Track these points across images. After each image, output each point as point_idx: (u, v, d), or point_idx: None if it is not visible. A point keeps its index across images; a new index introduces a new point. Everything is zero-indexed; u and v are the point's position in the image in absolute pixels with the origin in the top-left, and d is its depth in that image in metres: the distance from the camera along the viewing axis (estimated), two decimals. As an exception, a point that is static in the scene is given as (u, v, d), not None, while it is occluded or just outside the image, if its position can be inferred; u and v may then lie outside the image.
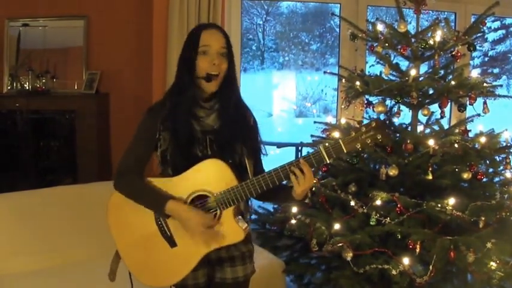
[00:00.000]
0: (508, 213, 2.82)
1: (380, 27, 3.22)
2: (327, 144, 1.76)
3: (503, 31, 7.68)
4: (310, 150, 3.46)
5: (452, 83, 2.99)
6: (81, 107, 4.02)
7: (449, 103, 3.08)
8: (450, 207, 2.71)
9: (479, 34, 3.13)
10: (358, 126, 1.77)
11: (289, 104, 8.70)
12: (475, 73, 3.10)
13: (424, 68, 3.27)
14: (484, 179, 3.00)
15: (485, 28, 3.17)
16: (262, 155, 1.94)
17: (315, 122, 3.51)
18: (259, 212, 3.54)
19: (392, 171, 2.83)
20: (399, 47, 3.14)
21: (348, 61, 3.99)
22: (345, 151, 1.74)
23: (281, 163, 1.81)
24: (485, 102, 3.01)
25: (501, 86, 3.11)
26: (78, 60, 4.27)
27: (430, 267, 2.59)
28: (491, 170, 3.15)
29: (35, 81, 4.18)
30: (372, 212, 2.78)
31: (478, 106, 3.00)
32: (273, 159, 2.04)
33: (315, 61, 8.66)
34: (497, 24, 7.45)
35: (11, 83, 4.24)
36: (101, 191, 3.03)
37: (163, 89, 3.73)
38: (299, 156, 5.69)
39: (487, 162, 3.10)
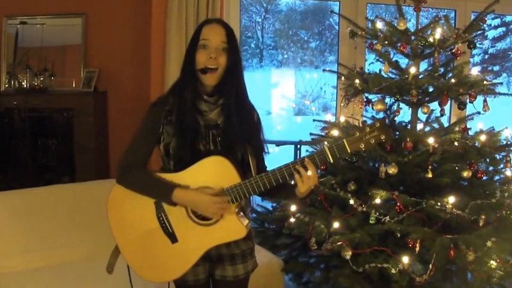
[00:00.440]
0: (508, 212, 2.82)
1: (379, 24, 3.21)
2: (328, 143, 1.76)
3: (504, 28, 7.67)
4: (310, 148, 3.52)
5: (452, 80, 2.99)
6: (79, 105, 4.01)
7: (449, 101, 3.08)
8: (450, 206, 2.70)
9: (479, 32, 3.13)
10: (362, 126, 1.76)
11: (288, 102, 8.69)
12: (475, 71, 3.11)
13: (423, 65, 3.27)
14: (484, 178, 3.01)
15: (485, 25, 3.16)
16: (264, 153, 1.94)
17: (314, 120, 3.51)
18: (258, 210, 3.54)
19: (392, 170, 2.82)
20: (399, 44, 3.13)
21: (347, 59, 3.98)
22: (349, 151, 1.73)
23: (280, 161, 1.80)
24: (485, 100, 3.01)
25: (501, 83, 3.11)
26: (76, 58, 4.25)
27: (430, 266, 2.58)
28: (491, 168, 3.16)
29: (32, 79, 4.17)
30: (371, 210, 2.77)
31: (478, 104, 3.00)
32: (271, 157, 2.03)
33: (314, 59, 8.65)
34: (497, 21, 7.44)
35: (8, 81, 4.23)
36: (99, 190, 3.06)
37: (161, 86, 3.74)
38: (298, 154, 5.70)
39: (487, 160, 3.11)
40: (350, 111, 3.69)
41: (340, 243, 2.69)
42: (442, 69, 3.16)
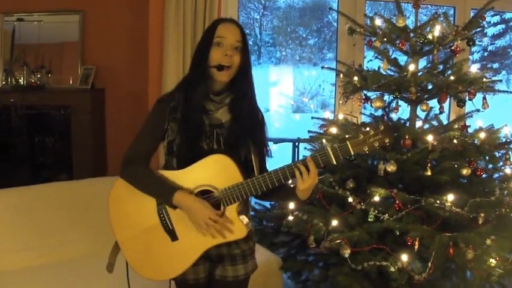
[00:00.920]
0: (507, 210, 2.82)
1: (378, 21, 3.20)
2: (335, 145, 1.75)
3: (503, 26, 7.66)
4: (308, 146, 3.51)
5: (452, 78, 2.98)
6: (76, 102, 3.99)
7: (448, 98, 3.07)
8: (449, 204, 2.71)
9: (478, 29, 3.12)
10: (366, 128, 1.76)
11: (286, 99, 8.68)
12: (474, 68, 3.10)
13: (422, 63, 3.26)
14: (484, 175, 3.00)
15: (484, 23, 3.16)
16: (266, 154, 1.94)
17: (312, 118, 3.51)
18: (256, 208, 3.53)
19: (391, 167, 2.81)
20: (398, 41, 3.12)
21: (345, 56, 3.96)
22: (352, 153, 1.73)
23: (278, 159, 1.82)
24: (484, 98, 3.00)
25: (500, 81, 3.11)
26: (73, 55, 4.23)
27: (429, 264, 2.58)
28: (490, 166, 3.16)
29: (29, 76, 4.15)
30: (370, 208, 2.77)
31: (477, 101, 3.00)
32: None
33: (313, 56, 8.63)
34: (496, 18, 7.42)
35: (5, 78, 4.20)
36: (96, 187, 3.10)
37: (159, 84, 3.72)
38: (296, 152, 5.69)
39: (487, 158, 3.10)
40: (349, 108, 3.68)
41: (338, 241, 2.69)
42: (441, 67, 3.16)
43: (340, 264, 2.78)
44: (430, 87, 3.07)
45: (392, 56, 3.20)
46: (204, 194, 1.80)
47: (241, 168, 1.78)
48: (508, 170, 3.11)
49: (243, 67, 1.83)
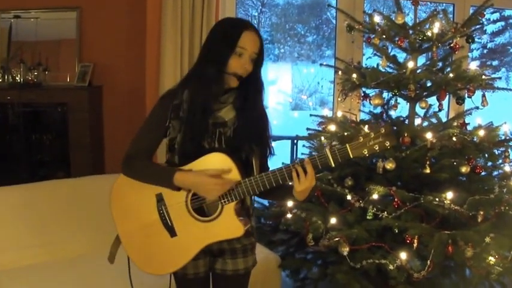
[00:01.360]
0: (506, 207, 2.82)
1: (377, 18, 3.19)
2: (334, 147, 1.75)
3: (503, 23, 7.65)
4: (306, 143, 3.50)
5: (451, 75, 2.98)
6: (73, 99, 3.97)
7: (447, 96, 3.06)
8: (448, 201, 2.70)
9: (478, 26, 3.12)
10: (365, 128, 1.75)
11: (284, 96, 8.66)
12: (473, 65, 3.10)
13: (421, 60, 3.26)
14: (483, 173, 3.00)
15: (484, 20, 3.16)
16: (269, 154, 1.94)
17: (311, 115, 3.50)
18: (255, 206, 3.50)
19: (390, 165, 2.81)
20: (396, 38, 3.12)
21: (344, 53, 3.95)
22: (352, 156, 1.72)
23: (276, 157, 1.81)
24: (484, 95, 3.01)
25: (500, 78, 3.11)
26: (70, 52, 4.21)
27: (428, 262, 2.57)
28: (489, 163, 3.15)
29: (26, 73, 4.13)
30: (369, 206, 2.77)
31: (476, 99, 2.99)
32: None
33: (311, 53, 8.61)
34: (496, 15, 7.40)
35: (2, 75, 4.18)
36: (94, 185, 3.09)
37: (156, 81, 3.72)
38: (294, 149, 5.68)
39: (486, 155, 3.10)
40: (347, 106, 3.67)
41: (337, 239, 2.68)
42: (440, 64, 3.15)
43: (338, 262, 2.78)
44: (429, 84, 3.06)
45: (391, 53, 3.19)
46: None
47: (240, 167, 1.78)
48: (507, 168, 3.11)
49: (254, 74, 1.84)
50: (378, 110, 3.34)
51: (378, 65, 3.16)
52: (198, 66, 1.85)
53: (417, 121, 3.24)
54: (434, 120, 3.30)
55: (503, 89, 3.05)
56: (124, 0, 4.13)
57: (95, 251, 2.79)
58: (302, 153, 3.80)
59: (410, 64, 2.99)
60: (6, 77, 4.17)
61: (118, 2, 4.13)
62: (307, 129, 3.48)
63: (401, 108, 3.18)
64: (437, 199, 2.70)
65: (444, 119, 3.35)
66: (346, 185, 2.96)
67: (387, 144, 1.69)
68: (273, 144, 1.95)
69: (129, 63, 4.13)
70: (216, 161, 1.77)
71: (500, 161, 3.13)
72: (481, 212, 2.74)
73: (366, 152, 1.70)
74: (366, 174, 3.00)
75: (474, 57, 7.39)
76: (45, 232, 2.87)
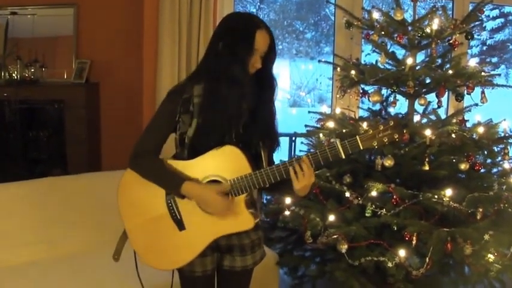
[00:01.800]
0: (506, 205, 2.82)
1: (376, 15, 3.20)
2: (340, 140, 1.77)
3: (502, 20, 7.62)
4: (305, 140, 3.48)
5: (450, 72, 2.99)
6: (70, 96, 3.97)
7: (446, 92, 3.06)
8: (447, 199, 2.70)
9: (477, 22, 3.14)
10: (364, 124, 1.76)
11: (283, 93, 8.64)
12: (473, 62, 3.11)
13: (420, 56, 3.26)
14: (482, 170, 3.00)
15: (483, 16, 3.17)
16: (277, 146, 1.95)
17: (309, 112, 3.49)
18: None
19: (388, 162, 2.80)
20: (395, 35, 3.11)
21: (343, 50, 3.93)
22: (362, 148, 1.74)
23: (275, 154, 1.79)
24: (483, 92, 3.01)
25: (499, 75, 3.11)
26: (67, 49, 4.20)
27: (427, 259, 2.57)
28: (489, 160, 3.15)
29: (23, 70, 4.11)
30: (368, 203, 2.76)
31: (475, 96, 2.99)
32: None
33: (310, 50, 8.58)
34: (495, 12, 7.38)
35: (-2, 72, 4.16)
36: (90, 182, 3.08)
37: (154, 77, 3.70)
38: (293, 146, 5.66)
39: (485, 152, 3.10)
40: (346, 102, 3.67)
41: (335, 236, 2.68)
42: (439, 60, 3.15)
43: (337, 259, 2.78)
44: (428, 81, 3.06)
45: (390, 50, 3.19)
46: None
47: (250, 160, 1.79)
48: (506, 165, 3.11)
49: (266, 70, 1.83)
50: (377, 106, 3.34)
51: (376, 61, 3.16)
52: (215, 63, 1.80)
53: (416, 118, 3.23)
54: (433, 117, 3.29)
55: (502, 85, 3.05)
56: (121, -4, 4.12)
57: (92, 248, 2.79)
58: (300, 150, 3.79)
59: (409, 61, 2.98)
60: (2, 74, 4.16)
61: (115, -2, 4.12)
62: (306, 126, 3.47)
63: (400, 105, 3.18)
64: (436, 196, 2.70)
65: (443, 116, 3.35)
66: (345, 182, 2.95)
67: (396, 137, 1.73)
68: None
69: (127, 59, 4.11)
70: (227, 153, 1.78)
71: (500, 158, 3.14)
72: (480, 209, 2.73)
73: (375, 144, 1.74)
74: (365, 171, 2.99)
75: (473, 54, 7.37)
76: (42, 229, 2.86)
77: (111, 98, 4.21)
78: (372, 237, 2.71)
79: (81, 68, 4.12)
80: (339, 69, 3.35)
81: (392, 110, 3.27)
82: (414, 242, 2.59)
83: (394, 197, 2.72)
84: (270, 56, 1.82)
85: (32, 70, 4.11)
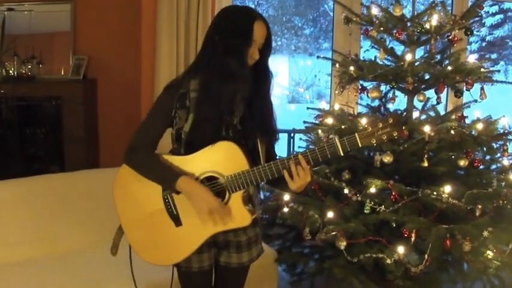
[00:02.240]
0: (505, 201, 2.82)
1: (375, 10, 3.18)
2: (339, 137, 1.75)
3: (502, 16, 7.61)
4: (303, 136, 3.48)
5: (449, 68, 2.99)
6: (68, 93, 3.96)
7: (445, 89, 3.05)
8: (446, 195, 2.70)
9: (476, 18, 3.12)
10: (363, 120, 1.74)
11: (281, 89, 8.63)
12: (472, 58, 3.09)
13: (420, 52, 3.25)
14: (481, 167, 3.01)
15: (482, 12, 3.15)
16: (276, 141, 1.94)
17: (308, 108, 3.49)
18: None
19: (387, 158, 2.79)
20: (394, 31, 3.10)
21: (342, 46, 3.91)
22: (360, 145, 1.73)
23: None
24: (482, 88, 3.01)
25: (499, 71, 3.10)
26: (64, 45, 4.18)
27: (426, 256, 2.56)
28: (488, 157, 3.16)
29: (20, 67, 4.10)
30: (366, 200, 2.76)
31: (475, 92, 2.99)
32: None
33: (308, 46, 8.56)
34: (495, 8, 7.37)
35: (-5, 69, 4.15)
36: (88, 179, 3.07)
37: (151, 74, 3.69)
38: (291, 142, 5.65)
39: (484, 149, 3.10)
40: (345, 98, 3.66)
41: (334, 233, 2.67)
42: (438, 57, 3.15)
43: (335, 256, 2.77)
44: (427, 77, 3.05)
45: (389, 46, 3.18)
46: (210, 181, 1.80)
47: (248, 156, 1.78)
48: (505, 161, 3.11)
49: (262, 63, 1.82)
50: (376, 103, 3.33)
51: (375, 57, 3.15)
52: (211, 57, 1.78)
53: (415, 114, 3.22)
54: (432, 113, 3.28)
55: (501, 82, 3.05)
56: (119, -8, 4.10)
57: (90, 246, 2.78)
58: (299, 147, 3.78)
59: (408, 57, 2.97)
60: (-1, 71, 4.14)
61: (113, -6, 4.10)
62: (304, 122, 3.46)
63: (399, 101, 3.17)
64: (435, 193, 2.70)
65: (442, 112, 3.35)
66: (344, 178, 2.95)
67: (395, 134, 1.72)
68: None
69: (124, 56, 4.10)
70: (224, 149, 1.78)
71: (499, 154, 3.13)
72: (479, 206, 2.73)
73: (374, 142, 1.72)
74: (364, 168, 2.99)
75: (473, 50, 7.36)
76: (39, 227, 2.85)
77: (108, 94, 4.20)
78: (371, 233, 2.71)
79: (79, 65, 4.11)
80: (337, 65, 3.34)
81: (391, 106, 3.26)
82: (413, 239, 2.59)
83: (393, 193, 2.72)
84: (266, 48, 1.81)
85: (29, 66, 4.10)
